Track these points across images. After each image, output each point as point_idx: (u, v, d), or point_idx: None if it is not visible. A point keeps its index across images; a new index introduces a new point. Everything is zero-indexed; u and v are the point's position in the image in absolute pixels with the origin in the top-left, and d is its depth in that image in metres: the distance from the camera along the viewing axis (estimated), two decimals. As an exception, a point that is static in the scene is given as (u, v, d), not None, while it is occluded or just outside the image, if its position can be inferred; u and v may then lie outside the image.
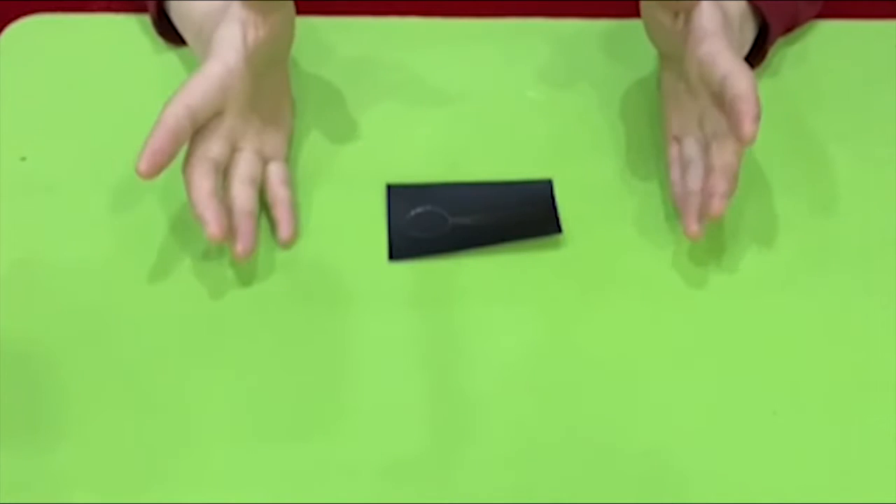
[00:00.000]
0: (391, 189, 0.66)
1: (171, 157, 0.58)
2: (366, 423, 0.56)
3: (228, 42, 0.62)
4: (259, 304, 0.61)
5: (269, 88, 0.66)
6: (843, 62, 0.75)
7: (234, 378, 0.58)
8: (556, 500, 0.54)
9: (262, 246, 0.63)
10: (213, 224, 0.58)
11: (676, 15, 0.64)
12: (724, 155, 0.61)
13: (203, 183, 0.60)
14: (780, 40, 0.74)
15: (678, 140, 0.66)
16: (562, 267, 0.63)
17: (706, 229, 0.62)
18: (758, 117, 0.57)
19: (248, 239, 0.61)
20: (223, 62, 0.61)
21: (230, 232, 0.60)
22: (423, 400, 0.57)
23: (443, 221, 0.65)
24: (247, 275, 0.62)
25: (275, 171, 0.65)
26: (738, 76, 0.59)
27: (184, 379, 0.58)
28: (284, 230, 0.63)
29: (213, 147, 0.61)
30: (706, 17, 0.63)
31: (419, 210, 0.65)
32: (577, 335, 0.60)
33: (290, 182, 0.66)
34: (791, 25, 0.75)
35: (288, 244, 0.63)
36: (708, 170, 0.61)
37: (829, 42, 0.76)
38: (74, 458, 0.55)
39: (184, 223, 0.65)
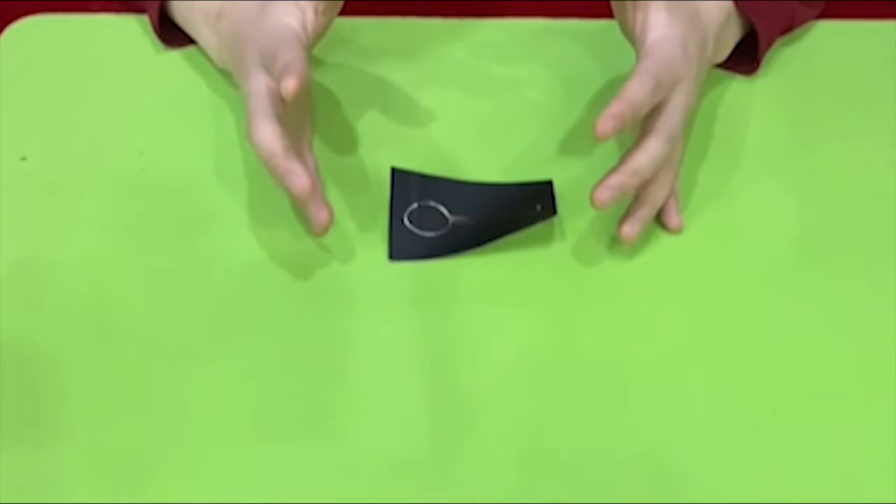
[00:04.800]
0: (395, 173, 0.67)
1: (307, 83, 0.59)
2: (366, 423, 0.56)
3: (293, 22, 0.63)
4: (260, 304, 0.61)
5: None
6: (843, 62, 0.75)
7: (233, 378, 0.58)
8: (555, 500, 0.54)
9: (262, 245, 0.63)
10: (303, 178, 0.57)
11: (635, 16, 0.64)
12: (632, 152, 0.60)
13: (282, 137, 0.59)
14: (780, 40, 0.74)
15: None
16: (561, 267, 0.63)
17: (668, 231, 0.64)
18: (614, 189, 0.59)
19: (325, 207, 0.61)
20: (299, 38, 0.62)
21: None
22: (423, 400, 0.57)
23: (443, 220, 0.65)
24: (247, 274, 0.62)
25: (312, 161, 0.65)
26: (647, 146, 0.60)
27: (183, 379, 0.58)
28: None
29: (277, 110, 0.61)
30: (659, 24, 0.63)
31: (421, 203, 0.65)
32: (576, 335, 0.60)
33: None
34: (787, 28, 0.75)
35: (321, 235, 0.62)
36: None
37: (829, 42, 0.76)
38: (74, 458, 0.55)
39: (184, 223, 0.65)
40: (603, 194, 0.59)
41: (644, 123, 0.62)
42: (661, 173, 0.62)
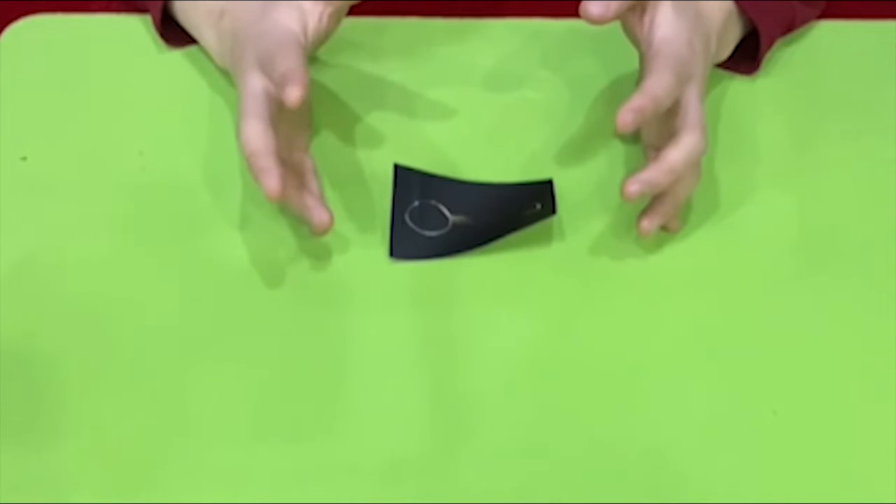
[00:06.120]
0: (398, 170, 0.67)
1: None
2: (366, 423, 0.56)
3: (293, 24, 0.63)
4: (260, 304, 0.61)
5: None
6: (843, 62, 0.75)
7: (233, 378, 0.58)
8: (556, 500, 0.54)
9: (262, 244, 0.64)
10: (275, 180, 0.57)
11: (642, 17, 0.64)
12: (668, 149, 0.60)
13: (269, 138, 0.59)
14: (780, 40, 0.74)
15: (656, 149, 0.65)
16: (561, 267, 0.63)
17: (672, 227, 0.63)
18: (646, 184, 0.58)
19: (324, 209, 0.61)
20: (299, 42, 0.62)
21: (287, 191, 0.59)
22: (423, 400, 0.57)
23: (443, 219, 0.65)
24: (247, 274, 0.62)
25: (309, 163, 0.65)
26: (684, 141, 0.59)
27: (183, 379, 0.58)
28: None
29: (270, 111, 0.61)
30: (665, 24, 0.63)
31: (422, 201, 0.65)
32: (576, 335, 0.60)
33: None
34: (788, 28, 0.75)
35: (321, 235, 0.62)
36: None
37: (829, 42, 0.76)
38: (74, 458, 0.55)
39: (184, 223, 0.65)
40: (633, 187, 0.58)
41: (668, 123, 0.62)
42: (688, 171, 0.61)
